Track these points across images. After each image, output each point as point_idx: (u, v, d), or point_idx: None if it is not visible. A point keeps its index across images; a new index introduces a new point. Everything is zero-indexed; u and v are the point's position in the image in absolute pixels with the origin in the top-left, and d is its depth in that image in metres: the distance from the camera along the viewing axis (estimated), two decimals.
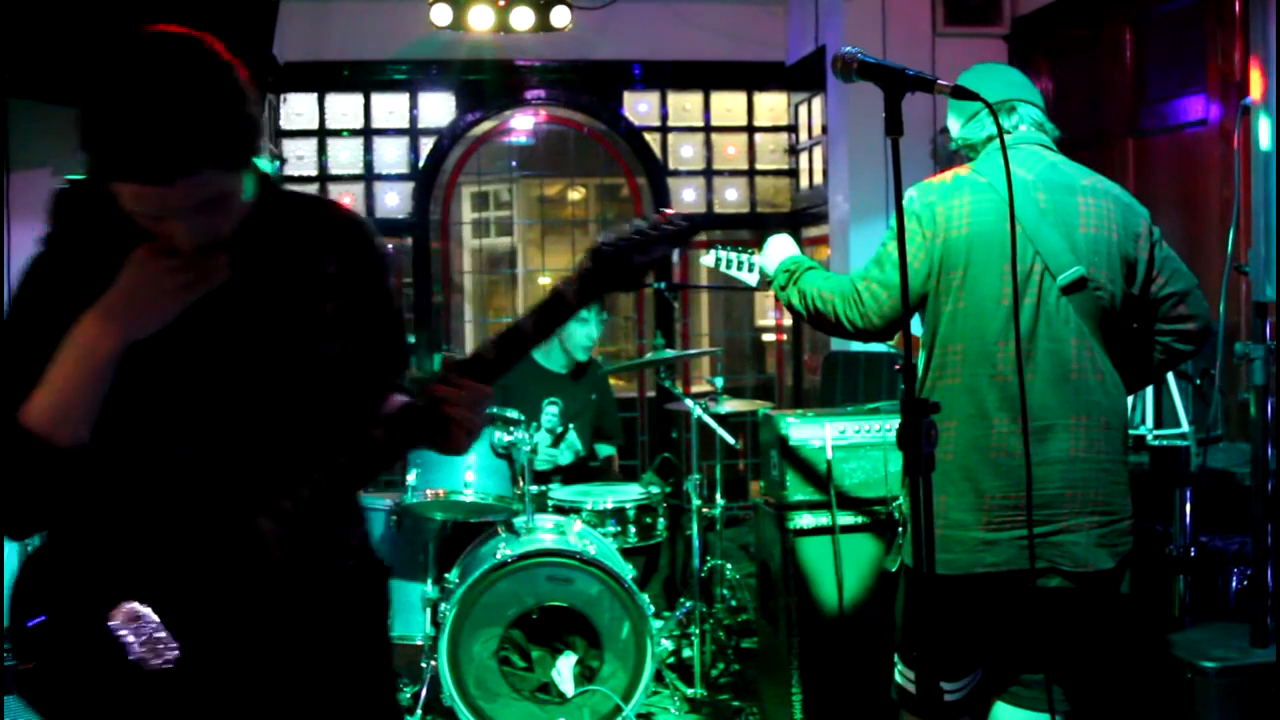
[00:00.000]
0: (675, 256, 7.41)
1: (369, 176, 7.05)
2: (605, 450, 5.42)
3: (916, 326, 2.96)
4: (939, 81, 2.14)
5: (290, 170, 6.73)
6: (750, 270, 3.27)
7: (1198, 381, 3.71)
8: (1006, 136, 2.80)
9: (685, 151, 7.36)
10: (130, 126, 1.49)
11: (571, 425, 5.11)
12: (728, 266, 3.30)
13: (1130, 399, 3.65)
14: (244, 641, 1.67)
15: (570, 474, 5.16)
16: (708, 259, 3.37)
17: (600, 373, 5.41)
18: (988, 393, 2.69)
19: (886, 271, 2.78)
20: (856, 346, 3.28)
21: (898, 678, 2.91)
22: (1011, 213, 2.29)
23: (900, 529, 2.88)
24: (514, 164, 8.21)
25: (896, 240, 2.37)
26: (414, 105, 7.04)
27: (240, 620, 1.67)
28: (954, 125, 2.97)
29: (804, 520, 3.79)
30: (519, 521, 4.28)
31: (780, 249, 3.13)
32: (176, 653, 1.62)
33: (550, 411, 5.08)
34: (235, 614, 1.66)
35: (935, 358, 2.78)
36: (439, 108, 7.08)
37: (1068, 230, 2.72)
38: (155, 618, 1.61)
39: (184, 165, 1.52)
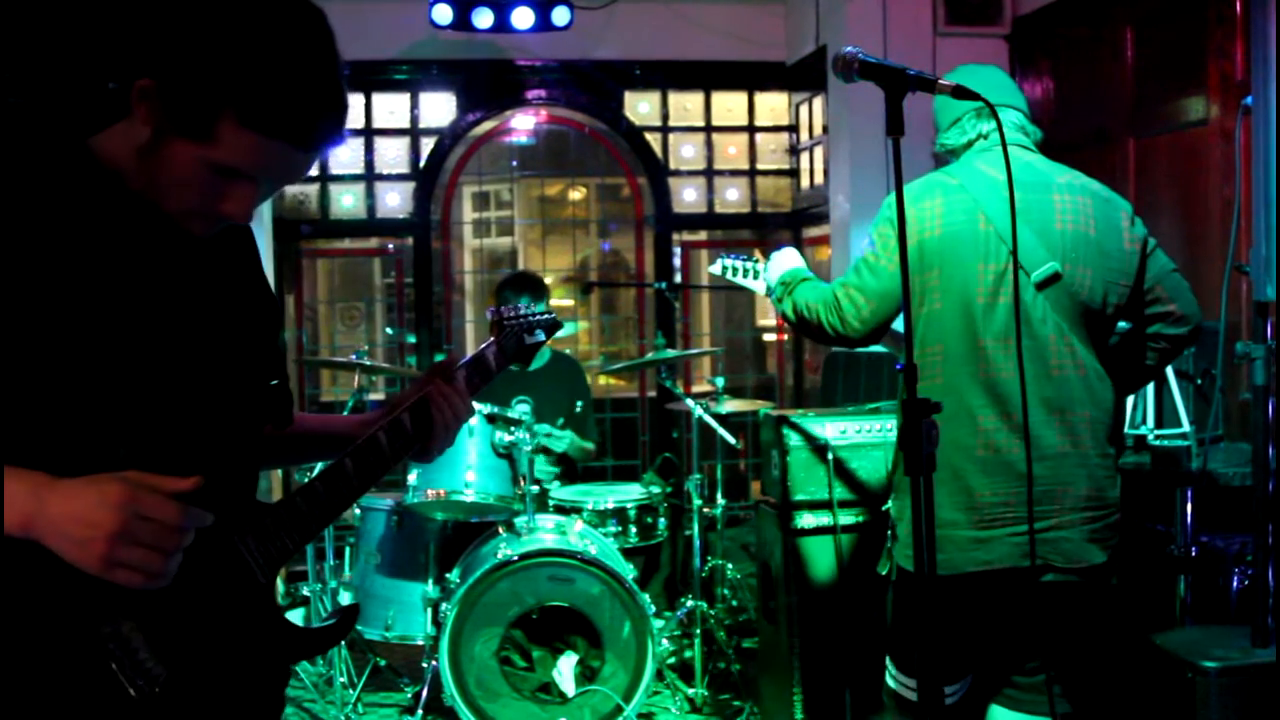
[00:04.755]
0: (677, 258, 7.42)
1: (370, 176, 7.06)
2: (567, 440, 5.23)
3: (899, 324, 2.98)
4: (940, 81, 2.14)
5: None
6: (755, 278, 3.29)
7: (1199, 381, 3.71)
8: (983, 141, 2.87)
9: (686, 151, 7.35)
10: (312, 89, 1.49)
11: (544, 423, 5.04)
12: (734, 275, 3.34)
13: (1131, 398, 3.65)
14: (224, 668, 1.57)
15: (569, 473, 5.15)
16: (714, 268, 3.40)
17: (577, 372, 5.39)
18: (969, 391, 2.71)
19: (864, 277, 2.83)
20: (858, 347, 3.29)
21: (889, 681, 2.92)
22: (1013, 208, 2.28)
23: (889, 532, 2.89)
24: (515, 164, 8.21)
25: (884, 246, 2.62)
26: (415, 105, 7.04)
27: (222, 645, 1.56)
28: (936, 131, 3.01)
29: (805, 520, 3.79)
30: (520, 521, 4.28)
31: (782, 262, 3.17)
32: (163, 677, 1.49)
33: (521, 410, 5.06)
34: (218, 639, 1.56)
35: (914, 359, 2.79)
36: (440, 108, 7.08)
37: (1043, 228, 2.73)
38: (140, 639, 1.48)
39: (335, 137, 1.54)
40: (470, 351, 2.08)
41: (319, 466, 3.48)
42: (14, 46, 4.68)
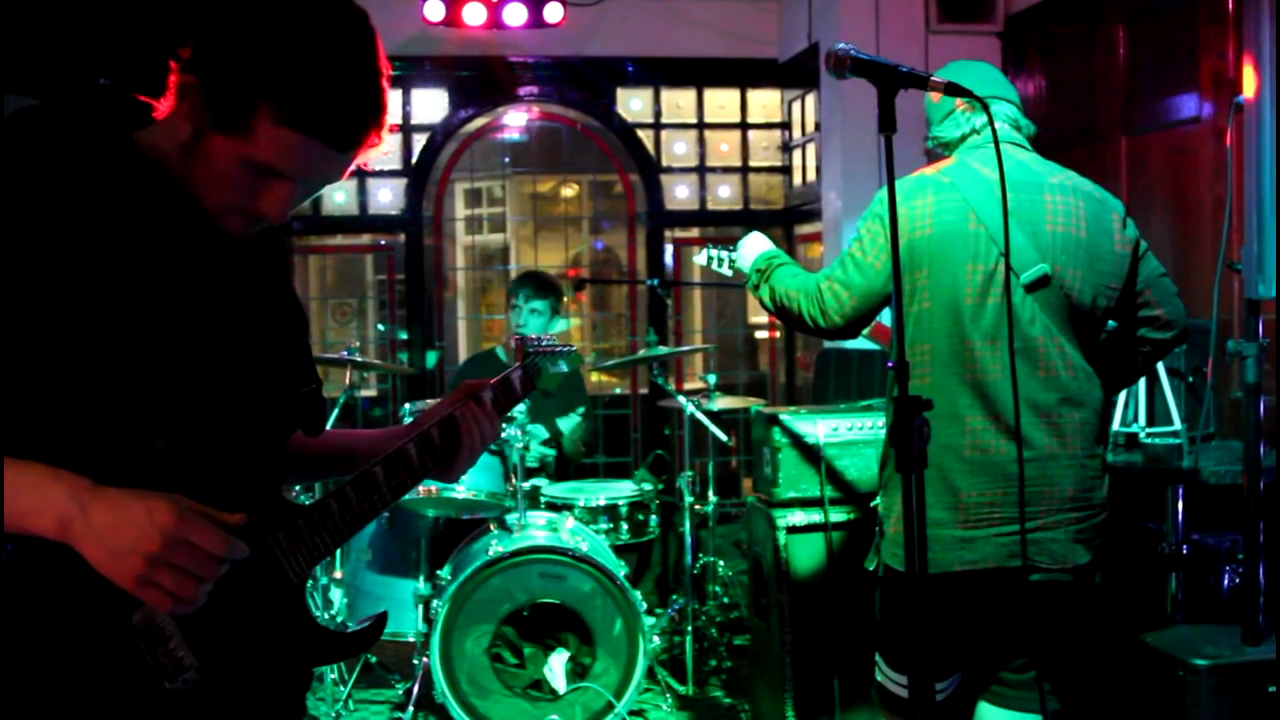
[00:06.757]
0: (669, 256, 7.41)
1: (362, 172, 7.04)
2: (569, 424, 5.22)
3: (887, 317, 2.98)
4: (932, 78, 2.13)
5: None
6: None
7: (1190, 379, 3.71)
8: (976, 136, 2.85)
9: (678, 148, 7.35)
10: (349, 89, 1.47)
11: (532, 425, 5.01)
12: (718, 265, 3.32)
13: (1122, 396, 3.66)
14: (253, 666, 1.57)
15: (559, 471, 5.14)
16: (700, 258, 3.39)
17: (577, 378, 5.38)
18: (958, 392, 2.70)
19: (849, 272, 2.82)
20: (849, 344, 3.30)
21: (878, 677, 2.92)
22: (1005, 207, 2.27)
23: (877, 529, 2.89)
24: (507, 160, 8.20)
25: (871, 243, 2.64)
26: (407, 102, 7.03)
27: (253, 643, 1.56)
28: (929, 125, 2.99)
29: (796, 517, 3.79)
30: (511, 518, 4.28)
31: (754, 246, 3.15)
32: (194, 669, 1.49)
33: (516, 409, 5.05)
34: (249, 636, 1.56)
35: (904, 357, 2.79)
36: (432, 104, 7.07)
37: (1033, 229, 2.72)
38: (174, 629, 1.47)
39: (372, 139, 1.51)
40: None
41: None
42: (58, 43, 4.65)
